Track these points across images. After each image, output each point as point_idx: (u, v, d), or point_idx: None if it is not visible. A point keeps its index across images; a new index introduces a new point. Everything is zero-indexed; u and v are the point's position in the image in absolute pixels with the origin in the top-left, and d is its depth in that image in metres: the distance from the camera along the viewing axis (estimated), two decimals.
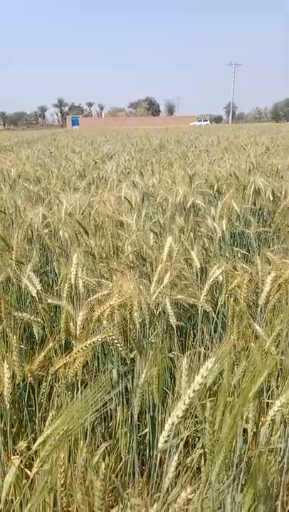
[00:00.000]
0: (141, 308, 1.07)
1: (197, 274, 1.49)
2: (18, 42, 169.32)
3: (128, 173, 3.83)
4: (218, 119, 71.37)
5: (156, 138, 10.69)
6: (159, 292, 1.18)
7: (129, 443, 1.01)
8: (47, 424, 0.82)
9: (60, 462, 0.60)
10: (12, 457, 0.87)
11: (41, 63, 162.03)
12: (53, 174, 3.56)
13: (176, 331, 1.26)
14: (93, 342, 0.89)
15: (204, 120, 48.82)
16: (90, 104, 79.77)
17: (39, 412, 1.01)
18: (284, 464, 0.94)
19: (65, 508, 0.62)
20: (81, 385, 0.98)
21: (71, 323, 1.02)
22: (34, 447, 0.65)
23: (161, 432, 0.65)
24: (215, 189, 3.03)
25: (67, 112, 71.04)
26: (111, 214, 2.13)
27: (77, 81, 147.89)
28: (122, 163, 4.42)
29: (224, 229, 2.11)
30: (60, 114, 73.97)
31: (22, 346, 1.11)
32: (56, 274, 1.79)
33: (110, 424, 1.11)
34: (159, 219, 2.22)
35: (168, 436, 0.64)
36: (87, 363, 1.18)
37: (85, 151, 6.22)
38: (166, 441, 0.65)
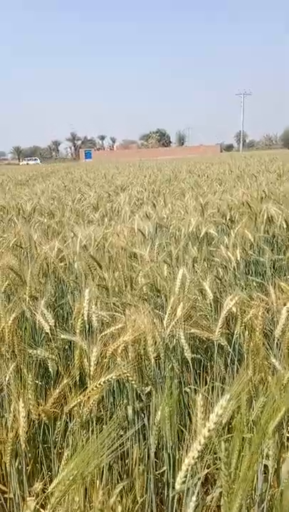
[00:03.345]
0: (155, 342, 1.06)
1: (211, 305, 1.48)
2: (30, 77, 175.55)
3: (141, 204, 3.88)
4: (229, 147, 72.22)
5: (168, 168, 10.85)
6: (173, 326, 1.17)
7: (147, 482, 0.98)
8: (62, 464, 0.81)
9: (76, 506, 0.59)
10: (28, 498, 0.85)
11: (55, 98, 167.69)
12: (67, 207, 3.63)
13: (193, 364, 1.25)
14: (107, 380, 0.88)
15: (35, 159, 50.27)
16: (102, 138, 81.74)
17: (54, 449, 1.00)
18: None
19: None
20: (96, 421, 0.97)
21: (85, 360, 1.02)
22: (50, 489, 0.64)
23: (178, 472, 0.64)
24: (228, 218, 3.04)
25: (80, 146, 72.85)
26: (124, 246, 2.15)
27: (90, 115, 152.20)
28: (135, 195, 4.48)
29: (238, 258, 2.10)
30: (73, 148, 75.85)
31: (37, 382, 1.11)
32: (71, 308, 1.80)
33: (127, 462, 1.09)
34: (172, 249, 2.23)
35: (185, 477, 0.63)
36: (102, 398, 1.17)
37: (98, 184, 6.34)
38: (183, 482, 0.64)
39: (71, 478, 0.57)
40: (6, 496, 1.07)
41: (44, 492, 0.90)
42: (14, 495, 0.97)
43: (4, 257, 1.85)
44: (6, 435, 0.81)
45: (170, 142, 76.65)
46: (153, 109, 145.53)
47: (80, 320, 1.09)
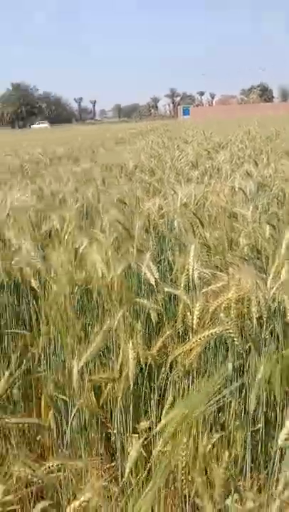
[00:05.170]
0: (259, 303, 1.05)
1: None
2: (134, 33, 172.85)
3: (242, 162, 3.74)
4: None
5: (270, 125, 10.23)
6: (277, 288, 1.15)
7: (244, 437, 1.01)
8: (166, 407, 0.86)
9: (183, 446, 0.63)
10: (133, 435, 0.93)
11: (154, 53, 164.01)
12: (167, 165, 3.63)
13: None
14: (211, 334, 0.90)
15: (42, 123, 49.82)
16: (201, 93, 79.05)
17: (156, 395, 1.06)
18: None
19: (184, 490, 0.65)
20: (196, 374, 1.01)
21: (188, 313, 1.05)
22: (157, 429, 0.69)
23: (280, 429, 0.65)
24: None
25: (179, 102, 71.33)
26: (225, 205, 2.11)
27: (189, 70, 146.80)
28: (236, 153, 4.33)
29: None
30: (172, 105, 74.60)
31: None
32: (169, 263, 1.83)
33: (223, 416, 1.12)
34: (277, 211, 2.14)
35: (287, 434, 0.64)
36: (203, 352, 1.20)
37: (196, 141, 6.21)
38: (286, 439, 0.64)
39: (179, 419, 0.60)
40: (109, 431, 1.17)
41: (145, 432, 0.96)
42: (118, 432, 1.06)
43: (110, 211, 1.94)
44: (120, 375, 0.87)
45: (272, 97, 71.68)
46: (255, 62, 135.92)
47: (184, 275, 1.12)
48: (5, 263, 1.70)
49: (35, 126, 48.84)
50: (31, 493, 0.90)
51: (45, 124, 48.56)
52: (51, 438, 1.24)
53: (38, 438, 1.37)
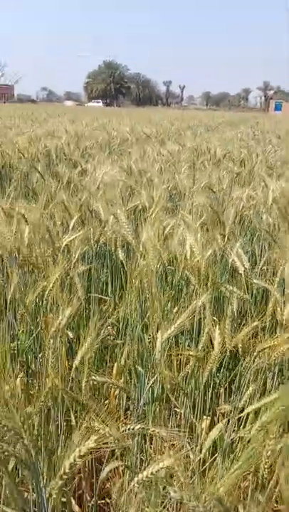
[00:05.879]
0: None
1: None
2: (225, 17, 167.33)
3: None
4: None
5: None
6: None
7: None
8: (247, 394, 0.85)
9: (272, 435, 0.62)
10: (204, 417, 0.93)
11: (247, 43, 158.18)
12: (258, 158, 3.52)
13: None
14: None
15: (97, 102, 51.76)
16: None
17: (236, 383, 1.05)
18: None
19: (265, 479, 0.64)
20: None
21: (278, 309, 1.02)
22: (245, 412, 0.68)
23: None
24: None
25: (272, 96, 68.44)
26: None
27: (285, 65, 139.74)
28: None
29: None
30: (263, 98, 71.83)
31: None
32: (254, 255, 1.79)
33: None
34: None
35: None
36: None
37: None
38: None
39: (277, 409, 0.59)
40: (176, 409, 1.18)
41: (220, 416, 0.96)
42: (188, 411, 1.06)
43: (198, 196, 1.93)
44: (206, 355, 0.87)
45: None
46: None
47: (280, 271, 1.09)
48: (94, 232, 1.76)
49: (89, 104, 51.74)
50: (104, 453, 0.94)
51: (99, 103, 51.32)
52: (119, 404, 1.28)
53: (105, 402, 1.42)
